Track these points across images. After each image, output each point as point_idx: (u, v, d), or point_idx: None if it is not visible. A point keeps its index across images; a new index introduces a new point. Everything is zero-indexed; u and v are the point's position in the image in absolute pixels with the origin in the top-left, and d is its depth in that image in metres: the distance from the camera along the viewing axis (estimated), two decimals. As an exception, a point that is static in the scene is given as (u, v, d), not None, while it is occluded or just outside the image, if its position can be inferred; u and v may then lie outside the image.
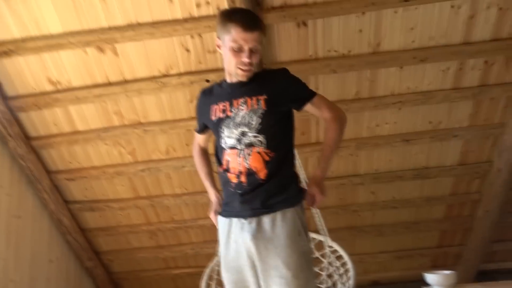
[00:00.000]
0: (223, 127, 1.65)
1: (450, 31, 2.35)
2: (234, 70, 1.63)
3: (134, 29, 2.35)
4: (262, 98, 1.62)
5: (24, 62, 2.50)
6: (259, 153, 1.59)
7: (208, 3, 2.29)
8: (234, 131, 1.62)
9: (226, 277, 1.69)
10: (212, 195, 1.85)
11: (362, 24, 2.35)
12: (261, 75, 1.70)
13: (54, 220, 3.18)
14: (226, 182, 1.66)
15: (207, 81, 2.55)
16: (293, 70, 2.49)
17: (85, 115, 2.74)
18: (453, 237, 3.44)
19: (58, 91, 2.61)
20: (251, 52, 1.59)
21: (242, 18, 1.59)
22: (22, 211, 2.94)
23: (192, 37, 2.42)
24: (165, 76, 2.56)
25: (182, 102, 2.70)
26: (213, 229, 2.89)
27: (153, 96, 2.66)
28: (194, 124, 2.71)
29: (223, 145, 1.65)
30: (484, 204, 3.14)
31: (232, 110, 1.64)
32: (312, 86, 2.61)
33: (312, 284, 1.63)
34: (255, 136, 1.60)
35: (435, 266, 3.53)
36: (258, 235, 1.57)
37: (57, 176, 3.02)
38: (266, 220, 1.58)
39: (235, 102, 1.64)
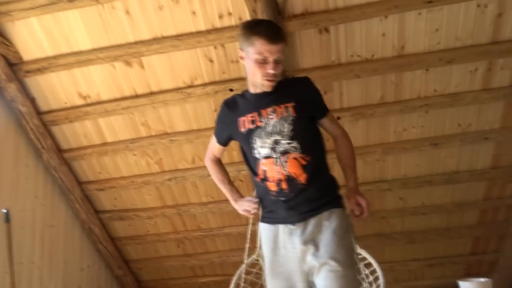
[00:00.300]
0: (254, 138, 1.65)
1: (477, 31, 2.30)
2: (259, 82, 1.64)
3: (159, 42, 2.41)
4: (290, 105, 1.64)
5: (56, 78, 2.61)
6: (295, 158, 1.61)
7: (230, 14, 2.33)
8: (267, 140, 1.63)
9: (272, 284, 1.68)
10: (236, 198, 1.85)
11: (385, 28, 2.33)
12: (285, 83, 1.72)
13: (85, 229, 3.27)
14: (266, 191, 1.67)
15: (231, 90, 2.58)
16: (316, 76, 2.52)
17: (114, 127, 2.82)
18: (487, 243, 3.31)
19: (88, 105, 2.71)
20: (276, 63, 1.61)
21: (266, 31, 1.60)
22: (55, 220, 3.05)
23: (215, 47, 2.46)
24: (189, 86, 2.61)
25: (207, 112, 2.74)
26: (240, 237, 2.91)
27: (179, 106, 2.71)
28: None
29: (256, 156, 1.66)
30: (520, 208, 3.02)
31: (262, 120, 1.64)
32: (336, 92, 2.64)
33: (358, 283, 1.62)
34: (289, 143, 1.61)
35: (469, 274, 3.41)
36: (307, 237, 1.59)
37: (88, 187, 3.12)
38: (313, 221, 1.60)
39: (263, 112, 1.65)
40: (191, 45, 2.41)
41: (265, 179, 1.66)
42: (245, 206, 1.79)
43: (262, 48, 1.58)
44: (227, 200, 3.12)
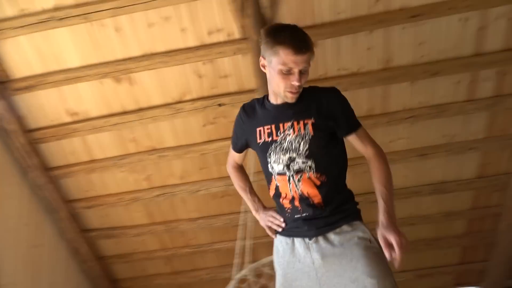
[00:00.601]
0: (269, 151, 1.57)
1: (460, 43, 2.37)
2: (282, 93, 1.52)
3: (149, 58, 2.41)
4: (309, 122, 1.53)
5: (45, 96, 2.58)
6: (309, 178, 1.53)
7: (219, 30, 2.35)
8: (282, 156, 1.54)
9: None
10: (257, 208, 1.77)
11: (371, 42, 2.38)
12: (309, 93, 1.58)
13: (71, 249, 3.19)
14: (281, 207, 1.62)
15: (220, 105, 2.59)
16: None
17: (102, 144, 2.79)
18: (475, 253, 3.35)
19: (76, 122, 2.67)
20: (301, 73, 1.47)
21: (292, 39, 1.45)
22: (40, 240, 2.97)
23: (204, 63, 2.47)
24: (179, 102, 2.61)
25: (196, 127, 2.73)
26: (229, 253, 2.87)
27: (168, 122, 2.70)
28: (208, 148, 2.79)
29: (270, 170, 1.59)
30: (506, 217, 3.07)
31: (279, 134, 1.56)
32: (324, 105, 2.66)
33: None
34: (303, 162, 1.53)
35: (458, 284, 3.44)
36: (328, 252, 1.52)
37: (75, 205, 3.05)
38: (332, 236, 1.53)
39: (281, 126, 1.55)
40: (180, 61, 2.42)
41: (278, 195, 1.60)
42: (269, 223, 1.69)
43: (287, 58, 1.44)
44: (216, 216, 3.16)
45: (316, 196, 1.53)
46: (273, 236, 1.73)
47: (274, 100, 1.59)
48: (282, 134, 1.55)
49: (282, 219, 1.64)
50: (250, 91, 2.54)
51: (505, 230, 3.12)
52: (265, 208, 1.77)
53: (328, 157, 1.57)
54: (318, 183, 1.53)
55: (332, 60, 2.46)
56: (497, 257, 3.28)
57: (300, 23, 2.29)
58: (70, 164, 2.85)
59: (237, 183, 1.84)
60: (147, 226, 3.20)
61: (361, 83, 2.52)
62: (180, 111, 2.62)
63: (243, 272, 2.54)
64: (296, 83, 1.47)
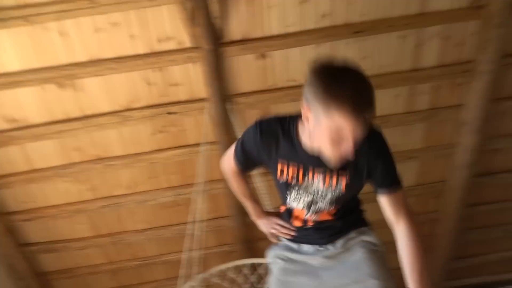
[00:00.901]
0: (291, 191, 1.42)
1: (399, 59, 2.52)
2: (325, 156, 1.25)
3: (95, 64, 2.33)
4: (344, 177, 1.34)
5: (-22, 101, 2.41)
6: (328, 212, 1.45)
7: (169, 38, 2.33)
8: (304, 197, 1.40)
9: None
10: (258, 214, 1.66)
11: (318, 55, 2.48)
12: None
13: (6, 266, 2.98)
14: (290, 221, 1.56)
15: (170, 113, 2.56)
16: (253, 100, 2.60)
17: (43, 153, 2.64)
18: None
19: (14, 129, 2.51)
20: (356, 140, 1.18)
21: (355, 100, 1.12)
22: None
23: (153, 71, 2.44)
24: (127, 110, 2.55)
25: (145, 135, 2.68)
26: (179, 264, 2.83)
27: (115, 130, 2.62)
28: (158, 157, 2.74)
29: (286, 200, 1.47)
30: (442, 222, 3.27)
31: (306, 180, 1.36)
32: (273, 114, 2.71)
33: None
34: (326, 206, 1.42)
35: None
36: (332, 254, 1.50)
37: (11, 217, 2.85)
38: (340, 241, 1.52)
39: (310, 172, 1.34)
40: (129, 68, 2.37)
41: (289, 215, 1.53)
42: (273, 230, 1.59)
43: (343, 124, 1.13)
44: (165, 226, 3.10)
45: (330, 219, 1.49)
46: (275, 241, 1.65)
47: (307, 142, 1.30)
48: (310, 181, 1.36)
49: (291, 228, 1.54)
50: (201, 100, 2.54)
51: (442, 235, 3.32)
52: (268, 213, 1.67)
53: (352, 198, 1.50)
54: (334, 211, 1.47)
55: (281, 71, 2.53)
56: (435, 261, 3.48)
57: (251, 35, 2.37)
58: (6, 174, 2.67)
59: (235, 188, 1.64)
60: (92, 238, 3.07)
61: (309, 94, 2.60)
62: (128, 119, 2.56)
63: (190, 283, 2.52)
64: (348, 154, 1.20)
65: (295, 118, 1.35)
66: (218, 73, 2.42)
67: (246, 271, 2.61)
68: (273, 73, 2.53)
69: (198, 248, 2.62)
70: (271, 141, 1.36)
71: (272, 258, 1.62)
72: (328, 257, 1.52)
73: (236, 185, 1.64)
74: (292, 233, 1.57)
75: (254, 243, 3.18)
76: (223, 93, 2.51)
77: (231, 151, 1.54)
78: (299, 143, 1.33)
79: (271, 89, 2.59)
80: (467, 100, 2.67)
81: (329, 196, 1.40)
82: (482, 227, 3.36)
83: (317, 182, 1.37)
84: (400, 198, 1.37)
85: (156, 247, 3.20)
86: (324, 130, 1.17)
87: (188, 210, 2.72)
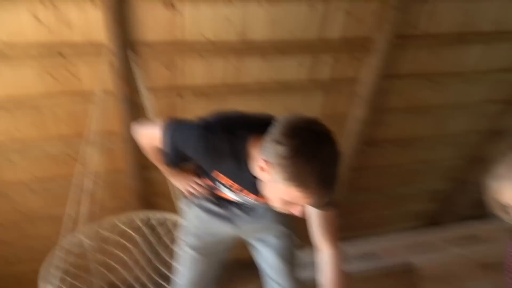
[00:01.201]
0: (222, 187, 1.51)
1: (307, 27, 2.58)
2: (273, 205, 1.24)
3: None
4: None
5: None
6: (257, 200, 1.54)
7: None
8: (235, 197, 1.53)
9: (190, 241, 1.62)
10: (175, 174, 1.70)
11: (230, 13, 2.42)
12: None
13: None
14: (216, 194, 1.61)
15: (61, 55, 2.30)
16: (159, 50, 2.47)
17: None
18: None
19: None
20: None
21: (318, 183, 1.07)
22: None
23: (44, 5, 2.14)
24: (8, 45, 2.22)
25: (30, 77, 2.38)
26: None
27: (-7, 69, 2.28)
28: (45, 103, 2.47)
29: (216, 184, 1.53)
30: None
31: (240, 192, 1.45)
32: (178, 69, 2.61)
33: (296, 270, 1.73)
34: (256, 205, 1.58)
35: None
36: (249, 218, 1.63)
37: None
38: (260, 208, 1.64)
39: (245, 191, 1.43)
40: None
41: (215, 190, 1.60)
42: (191, 188, 1.62)
43: (300, 199, 1.11)
44: (52, 177, 2.86)
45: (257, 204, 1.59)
46: (191, 199, 1.69)
47: (254, 171, 1.27)
48: (243, 195, 1.48)
49: (208, 191, 1.61)
50: (99, 44, 2.33)
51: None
52: (183, 173, 1.67)
53: None
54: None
55: (190, 24, 2.42)
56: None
57: (159, -20, 2.20)
58: None
59: (152, 157, 1.66)
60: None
61: (217, 52, 2.55)
62: (10, 58, 2.24)
63: (77, 234, 2.42)
64: (297, 214, 1.20)
65: (246, 138, 1.28)
66: (121, 16, 2.23)
67: (139, 223, 2.59)
68: (182, 25, 2.42)
69: (88, 202, 2.49)
70: (216, 158, 1.31)
71: (188, 205, 1.70)
72: (249, 217, 1.68)
73: (154, 156, 1.64)
74: (207, 193, 1.65)
75: (151, 198, 3.13)
76: (125, 39, 2.33)
77: (152, 131, 1.48)
78: (246, 167, 1.27)
79: (178, 41, 2.48)
80: (361, 74, 2.88)
81: (260, 205, 1.58)
82: (362, 189, 3.76)
83: (250, 197, 1.48)
84: (328, 219, 1.36)
85: (41, 201, 2.96)
86: (278, 191, 1.14)
87: (80, 162, 2.55)
